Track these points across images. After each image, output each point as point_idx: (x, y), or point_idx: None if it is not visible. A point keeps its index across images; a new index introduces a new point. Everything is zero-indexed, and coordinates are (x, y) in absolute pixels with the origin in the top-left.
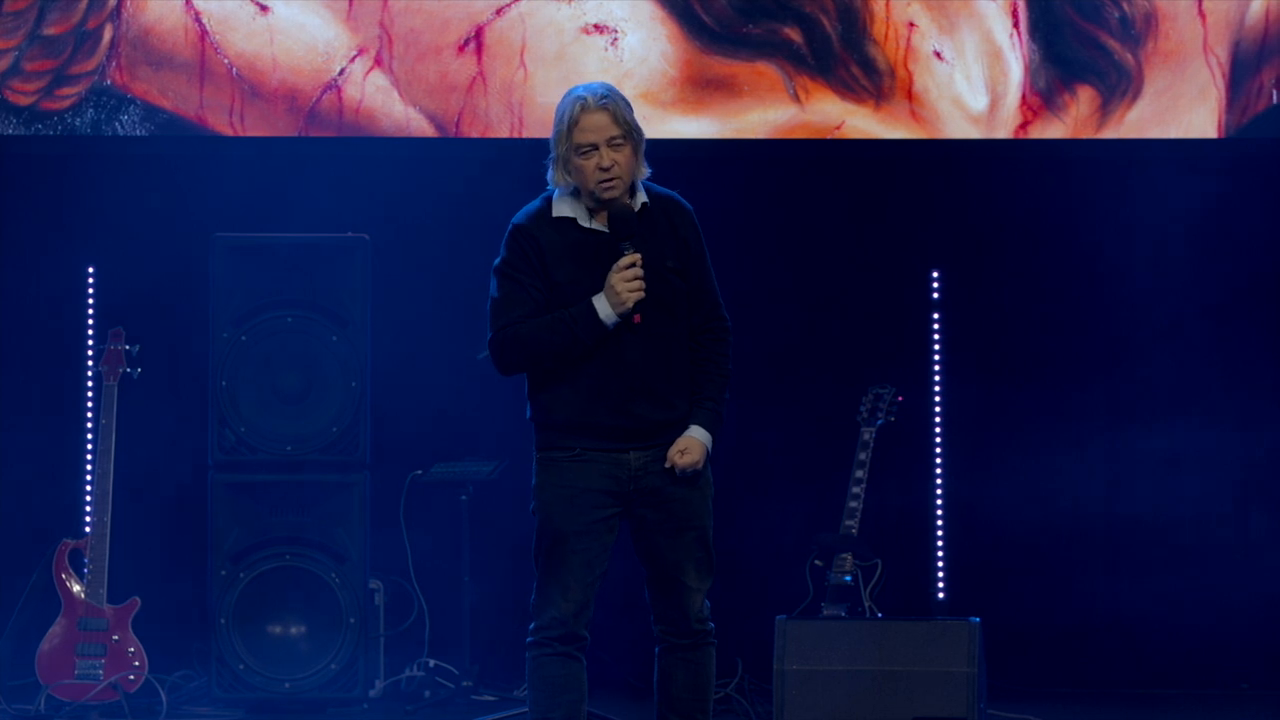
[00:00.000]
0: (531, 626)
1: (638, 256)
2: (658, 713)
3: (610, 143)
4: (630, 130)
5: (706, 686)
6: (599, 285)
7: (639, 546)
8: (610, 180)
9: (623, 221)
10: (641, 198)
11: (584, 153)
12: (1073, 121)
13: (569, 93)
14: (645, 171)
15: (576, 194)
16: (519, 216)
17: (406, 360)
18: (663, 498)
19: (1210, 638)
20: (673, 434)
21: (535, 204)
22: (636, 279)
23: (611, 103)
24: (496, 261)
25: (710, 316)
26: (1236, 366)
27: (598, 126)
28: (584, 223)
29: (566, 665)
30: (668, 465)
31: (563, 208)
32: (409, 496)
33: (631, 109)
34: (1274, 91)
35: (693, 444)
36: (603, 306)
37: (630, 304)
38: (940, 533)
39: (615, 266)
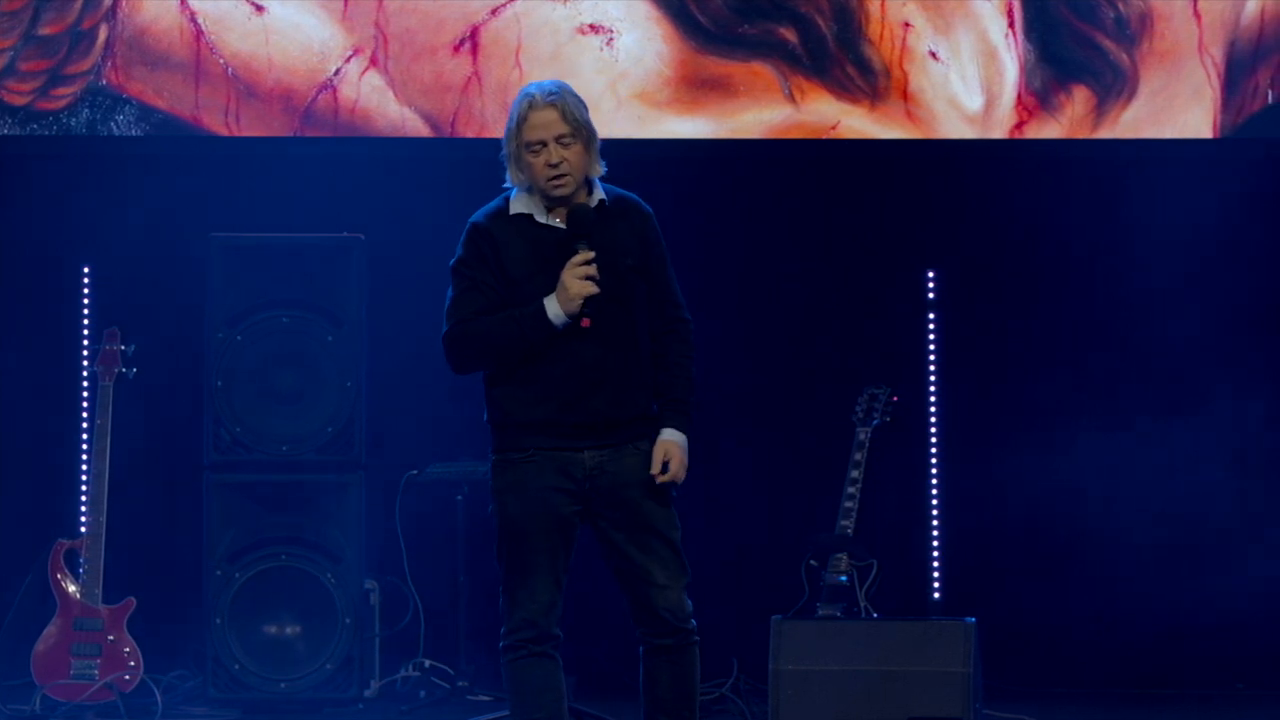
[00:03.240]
0: (503, 631)
1: (591, 254)
2: (644, 715)
3: (559, 140)
4: (580, 128)
5: (692, 687)
6: (553, 281)
7: (603, 549)
8: (559, 177)
9: (580, 219)
10: (599, 195)
11: (533, 150)
12: (1068, 121)
13: (521, 91)
14: (600, 169)
15: (533, 190)
16: (477, 215)
17: (402, 360)
18: (621, 497)
19: (1205, 638)
20: (628, 432)
21: (494, 203)
22: (589, 276)
23: (560, 99)
24: (453, 260)
25: (673, 318)
26: (1234, 366)
27: (546, 123)
28: (540, 219)
29: (543, 665)
30: (654, 472)
31: (519, 205)
32: (405, 496)
33: (584, 107)
34: (1269, 92)
35: (671, 448)
36: (552, 306)
37: (580, 301)
38: (936, 533)
39: (569, 263)
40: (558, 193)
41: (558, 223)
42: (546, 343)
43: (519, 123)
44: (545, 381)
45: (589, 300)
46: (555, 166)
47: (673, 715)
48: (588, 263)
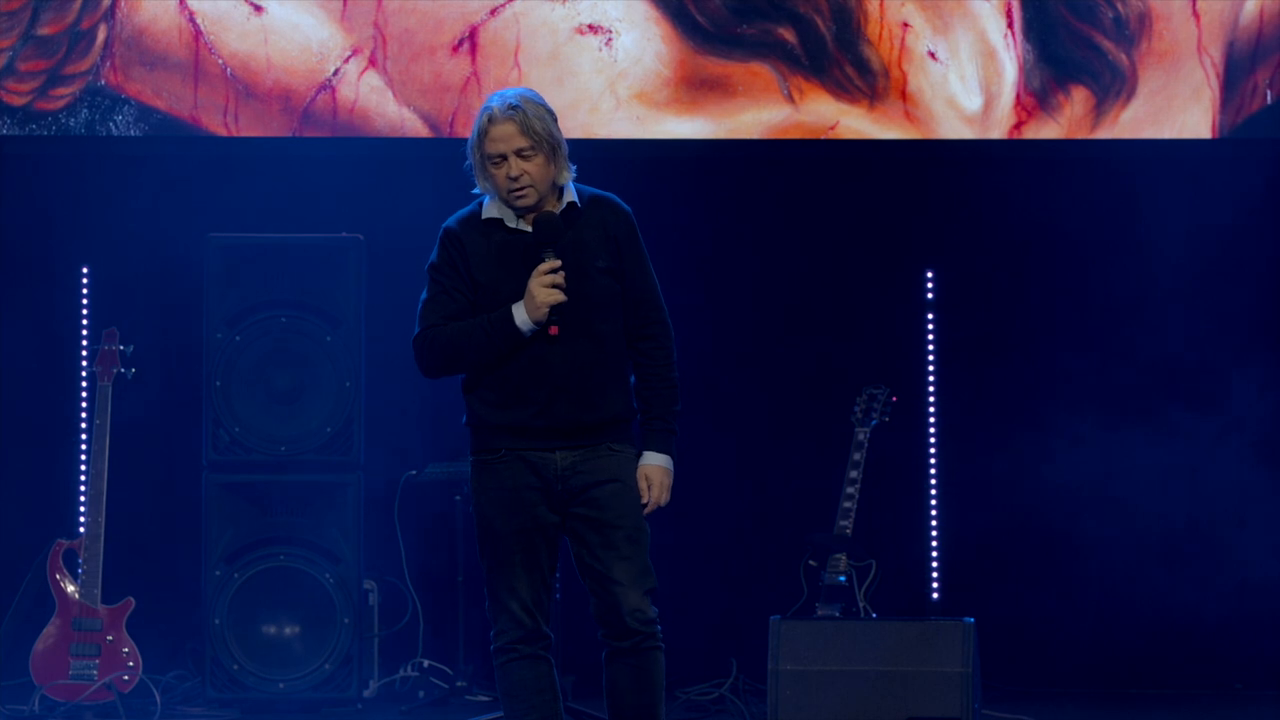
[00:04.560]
0: (492, 634)
1: (557, 263)
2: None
3: (519, 153)
4: (540, 140)
5: (652, 691)
6: (521, 286)
7: (572, 548)
8: (520, 190)
9: (546, 228)
10: (569, 198)
11: (495, 162)
12: (1067, 122)
13: (484, 102)
14: (569, 175)
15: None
16: (450, 219)
17: (401, 360)
18: (591, 497)
19: (1204, 638)
20: (602, 436)
21: (469, 207)
22: (555, 285)
23: (519, 113)
24: (427, 264)
25: (649, 320)
26: (1233, 366)
27: (504, 137)
28: (510, 224)
29: (535, 667)
30: (644, 501)
31: (492, 210)
32: (403, 497)
33: (551, 117)
34: (1268, 92)
35: (653, 473)
36: (519, 314)
37: (546, 309)
38: (934, 533)
39: (535, 272)
40: (520, 204)
41: (527, 228)
42: (514, 349)
43: (479, 136)
44: (514, 387)
45: (556, 308)
46: (515, 180)
47: None
48: (554, 271)
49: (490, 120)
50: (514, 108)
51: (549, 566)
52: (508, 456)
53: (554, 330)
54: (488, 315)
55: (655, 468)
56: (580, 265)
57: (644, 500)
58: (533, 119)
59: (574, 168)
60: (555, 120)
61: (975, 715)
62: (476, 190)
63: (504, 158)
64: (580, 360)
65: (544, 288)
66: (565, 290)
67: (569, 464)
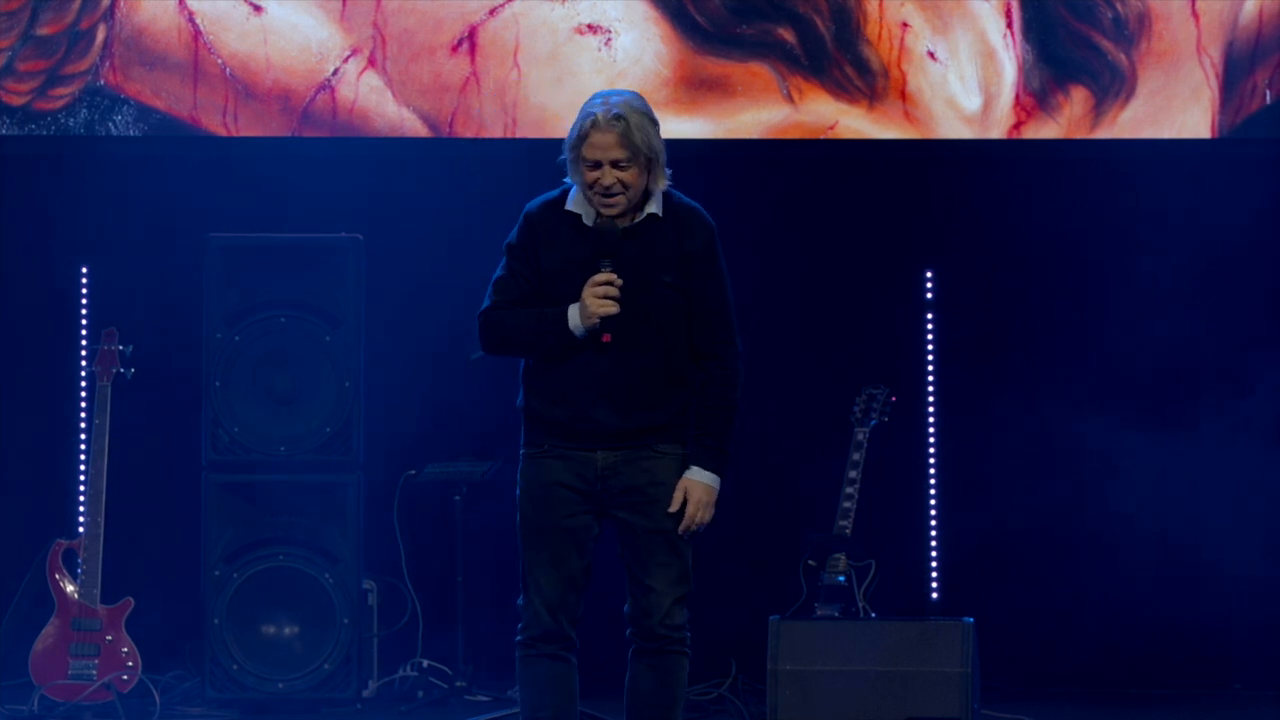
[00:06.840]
0: (519, 627)
1: (613, 276)
2: (625, 718)
3: (615, 164)
4: (639, 152)
5: (672, 695)
6: (581, 285)
7: (619, 548)
8: (611, 200)
9: (604, 239)
10: (651, 208)
11: (589, 166)
12: (1066, 122)
13: (591, 99)
14: (664, 183)
15: None
16: (533, 202)
17: (400, 360)
18: (633, 499)
19: (1203, 638)
20: (640, 440)
21: (554, 193)
22: (608, 297)
23: (623, 124)
24: (505, 242)
25: (717, 340)
26: (1233, 366)
27: (604, 146)
28: (587, 221)
29: (553, 666)
30: (671, 510)
31: (575, 202)
32: (402, 497)
33: (654, 126)
34: (1267, 92)
35: (692, 488)
36: (573, 317)
37: (596, 320)
38: (934, 533)
39: (589, 281)
40: (607, 213)
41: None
42: (567, 348)
43: (579, 138)
44: (561, 387)
45: (609, 318)
46: (608, 189)
47: None
48: (609, 283)
49: (594, 126)
50: (620, 118)
51: (579, 568)
52: (550, 453)
53: (606, 338)
54: (545, 310)
55: (698, 484)
56: (645, 278)
57: (671, 510)
58: (635, 129)
59: (669, 171)
60: (658, 128)
61: (975, 715)
62: (570, 179)
63: (599, 165)
64: (631, 371)
65: (596, 298)
66: (623, 301)
67: (609, 464)
